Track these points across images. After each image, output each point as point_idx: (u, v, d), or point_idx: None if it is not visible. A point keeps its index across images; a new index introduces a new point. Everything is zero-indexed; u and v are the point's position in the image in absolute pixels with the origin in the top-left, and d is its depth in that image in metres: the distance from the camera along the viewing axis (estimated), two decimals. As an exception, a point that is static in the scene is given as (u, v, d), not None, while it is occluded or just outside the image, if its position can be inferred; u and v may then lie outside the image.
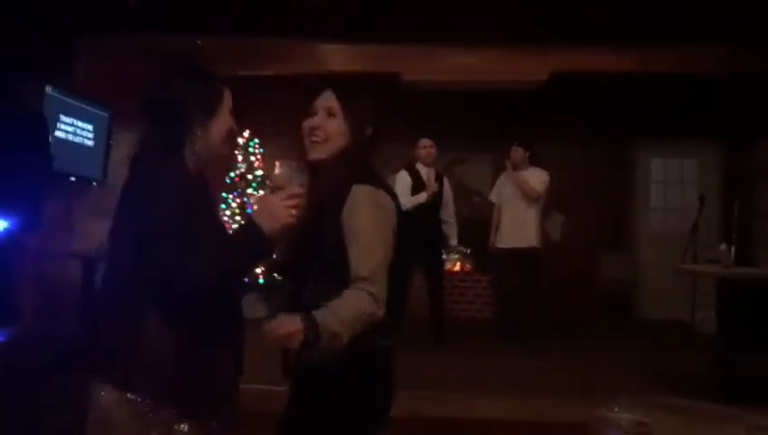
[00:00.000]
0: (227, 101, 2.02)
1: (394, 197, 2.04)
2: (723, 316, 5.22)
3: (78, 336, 4.30)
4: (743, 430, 1.15)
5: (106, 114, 5.92)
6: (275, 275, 2.14)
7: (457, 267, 8.24)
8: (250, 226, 1.82)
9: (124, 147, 6.79)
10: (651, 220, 8.58)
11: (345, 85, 2.07)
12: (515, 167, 6.45)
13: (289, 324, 1.74)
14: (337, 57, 6.65)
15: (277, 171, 2.07)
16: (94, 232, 5.86)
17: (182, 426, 1.79)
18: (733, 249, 5.20)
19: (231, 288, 1.90)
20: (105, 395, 1.80)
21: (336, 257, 1.89)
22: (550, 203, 8.31)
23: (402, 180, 6.12)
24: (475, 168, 8.44)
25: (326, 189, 1.98)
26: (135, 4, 4.57)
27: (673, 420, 1.42)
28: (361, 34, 5.97)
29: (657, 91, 7.68)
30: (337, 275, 1.87)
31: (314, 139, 1.99)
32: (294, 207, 1.84)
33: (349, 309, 1.82)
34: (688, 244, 6.67)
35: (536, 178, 6.40)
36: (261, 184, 7.87)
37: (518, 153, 6.46)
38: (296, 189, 1.85)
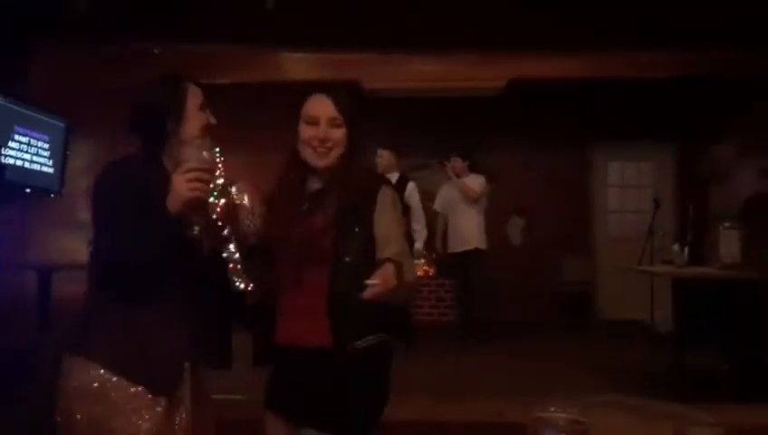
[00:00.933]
0: (194, 98, 2.05)
1: None
2: (677, 315, 5.34)
3: (36, 349, 4.24)
4: (671, 426, 1.20)
5: (62, 124, 5.85)
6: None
7: (420, 272, 8.28)
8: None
9: (82, 157, 6.72)
10: (609, 223, 8.74)
11: (338, 90, 2.15)
12: (457, 175, 6.85)
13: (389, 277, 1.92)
14: (296, 65, 6.65)
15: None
16: (51, 244, 5.81)
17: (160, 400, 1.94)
18: (686, 250, 5.32)
19: (156, 263, 1.92)
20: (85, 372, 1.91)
21: (367, 255, 2.02)
22: (510, 208, 8.47)
23: None
24: (437, 173, 8.51)
25: (350, 192, 2.07)
26: (83, 9, 4.52)
27: (608, 416, 1.46)
28: (321, 42, 5.99)
29: (613, 95, 7.82)
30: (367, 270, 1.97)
31: (321, 149, 2.08)
32: (197, 180, 1.88)
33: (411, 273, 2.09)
34: (645, 245, 6.82)
35: (475, 183, 6.78)
36: (222, 192, 7.81)
37: (457, 162, 6.84)
38: (194, 164, 1.88)
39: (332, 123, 2.07)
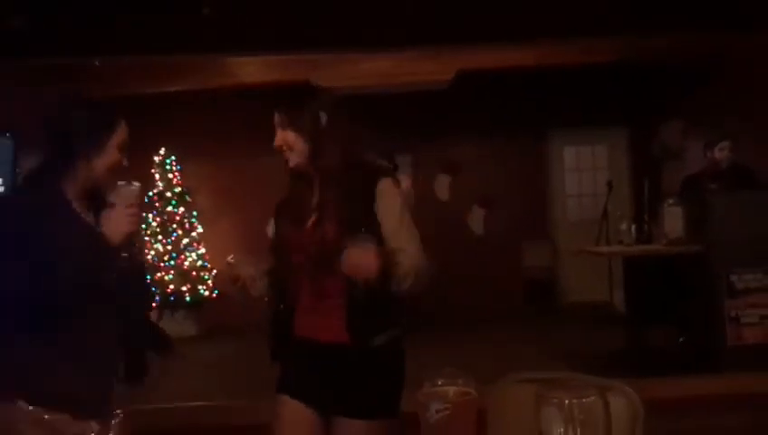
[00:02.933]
0: (119, 135, 2.08)
1: None
2: (629, 293, 5.46)
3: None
4: (533, 395, 1.25)
5: (9, 142, 5.80)
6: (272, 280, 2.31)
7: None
8: (97, 237, 1.97)
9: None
10: (567, 207, 8.86)
11: (285, 99, 2.29)
12: None
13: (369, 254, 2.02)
14: (246, 69, 6.68)
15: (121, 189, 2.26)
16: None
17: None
18: (634, 228, 5.44)
19: (78, 299, 1.94)
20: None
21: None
22: (471, 199, 8.56)
23: None
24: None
25: (345, 186, 2.20)
26: (19, 23, 4.50)
27: (503, 389, 1.51)
28: (269, 45, 6.00)
29: (563, 82, 7.93)
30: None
31: (284, 151, 2.25)
32: (135, 215, 2.06)
33: (414, 258, 2.15)
34: (600, 227, 6.93)
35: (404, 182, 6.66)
36: (180, 201, 7.82)
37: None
38: (133, 200, 2.08)
39: (282, 127, 2.24)
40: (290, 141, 2.21)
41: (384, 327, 2.20)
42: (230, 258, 2.28)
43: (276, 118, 2.25)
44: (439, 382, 1.39)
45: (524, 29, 6.09)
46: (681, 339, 5.31)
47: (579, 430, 1.18)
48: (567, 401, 1.16)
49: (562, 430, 1.17)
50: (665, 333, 5.37)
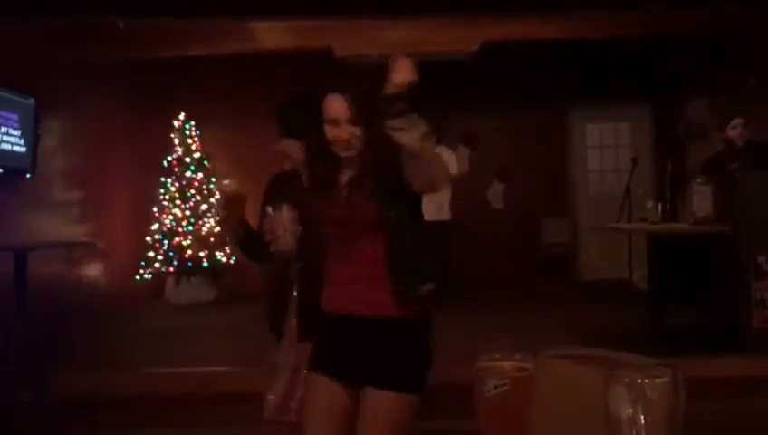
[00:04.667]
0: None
1: None
2: (652, 271, 5.40)
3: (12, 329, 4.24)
4: (600, 374, 1.21)
5: (31, 102, 5.77)
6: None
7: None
8: None
9: (54, 135, 6.64)
10: (589, 184, 8.77)
11: (350, 86, 2.18)
12: None
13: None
14: (267, 34, 6.58)
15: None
16: (25, 225, 5.76)
17: None
18: (660, 207, 5.36)
19: None
20: None
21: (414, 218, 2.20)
22: (491, 173, 8.48)
23: None
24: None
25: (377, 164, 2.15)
26: None
27: (558, 366, 1.47)
28: (291, 10, 5.91)
29: (587, 57, 7.80)
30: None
31: (345, 147, 2.17)
32: None
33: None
34: (623, 204, 6.86)
35: (449, 160, 6.62)
36: (199, 166, 7.79)
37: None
38: None
39: (350, 121, 2.14)
40: (357, 135, 2.14)
41: (426, 276, 2.16)
42: (270, 210, 2.32)
43: (339, 110, 2.13)
44: (497, 356, 1.35)
45: (549, 1, 5.98)
46: (701, 320, 5.26)
47: (648, 410, 1.14)
48: (639, 381, 1.12)
49: (631, 410, 1.13)
50: (687, 312, 5.32)
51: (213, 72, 7.67)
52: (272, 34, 6.56)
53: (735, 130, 5.20)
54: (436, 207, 6.74)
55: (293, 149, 2.52)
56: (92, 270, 7.15)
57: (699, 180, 5.08)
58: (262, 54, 7.15)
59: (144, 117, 7.81)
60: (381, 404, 2.14)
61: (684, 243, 5.14)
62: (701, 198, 4.94)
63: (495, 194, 8.60)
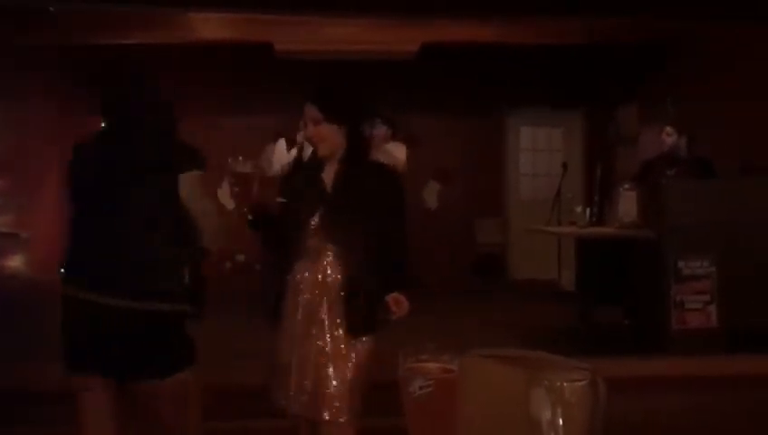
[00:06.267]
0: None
1: None
2: (580, 273, 5.55)
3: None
4: (523, 375, 1.24)
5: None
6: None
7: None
8: None
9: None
10: (521, 186, 8.95)
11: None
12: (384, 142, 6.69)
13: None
14: (206, 26, 6.48)
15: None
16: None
17: None
18: (588, 211, 5.52)
19: None
20: None
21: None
22: (427, 172, 8.55)
23: (281, 147, 6.27)
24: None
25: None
26: None
27: (481, 367, 1.49)
28: (232, 2, 5.84)
29: (524, 61, 7.96)
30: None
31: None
32: None
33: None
34: (553, 207, 7.02)
35: (400, 152, 6.61)
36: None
37: (382, 130, 6.70)
38: None
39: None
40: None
41: None
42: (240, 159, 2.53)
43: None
44: (423, 358, 1.37)
45: (491, 5, 6.06)
46: (626, 321, 5.44)
47: (567, 412, 1.17)
48: (558, 384, 1.16)
49: (551, 413, 1.17)
50: (612, 313, 5.49)
51: (153, 62, 7.48)
52: (211, 25, 6.46)
53: (670, 138, 5.31)
54: None
55: (332, 134, 2.56)
56: (15, 261, 6.90)
57: (626, 186, 5.25)
58: (202, 45, 7.06)
59: (75, 104, 7.56)
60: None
61: (610, 246, 5.31)
62: (627, 203, 5.11)
63: (431, 194, 8.68)
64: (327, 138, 2.52)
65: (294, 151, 6.22)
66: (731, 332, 4.79)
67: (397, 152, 6.67)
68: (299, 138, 6.36)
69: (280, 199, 2.62)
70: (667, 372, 4.54)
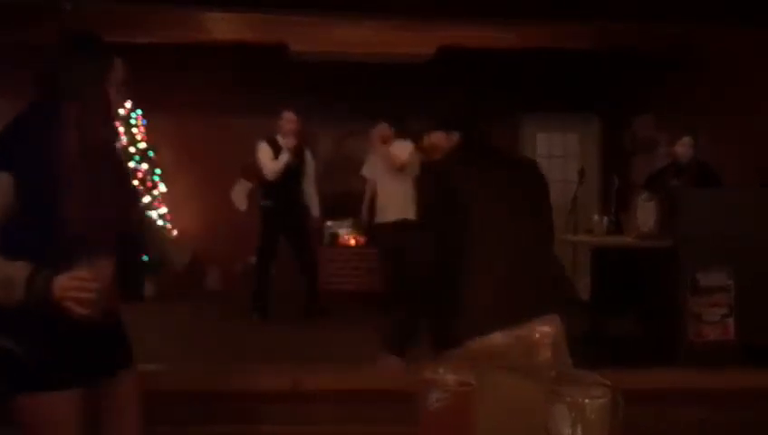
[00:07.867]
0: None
1: None
2: (595, 282, 5.47)
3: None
4: (542, 391, 1.19)
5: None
6: None
7: (352, 241, 8.25)
8: None
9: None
10: (536, 192, 8.86)
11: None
12: (384, 142, 6.67)
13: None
14: (221, 26, 6.46)
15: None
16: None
17: None
18: (605, 220, 5.44)
19: None
20: None
21: None
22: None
23: (264, 150, 6.31)
24: (364, 140, 8.48)
25: None
26: None
27: (499, 380, 1.44)
28: (247, 3, 5.82)
29: (541, 67, 7.89)
30: None
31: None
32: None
33: None
34: (569, 215, 6.94)
35: (402, 150, 6.55)
36: (144, 158, 7.60)
37: (384, 129, 6.64)
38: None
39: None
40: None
41: None
42: None
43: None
44: (440, 370, 1.32)
45: (508, 9, 6.00)
46: (641, 331, 5.36)
47: (587, 429, 1.12)
48: (580, 401, 1.10)
49: (571, 431, 1.11)
50: (627, 323, 5.41)
51: (162, 61, 7.49)
52: (223, 26, 6.44)
53: (684, 148, 5.29)
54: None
55: (442, 140, 2.58)
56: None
57: (644, 196, 5.17)
58: (214, 45, 7.04)
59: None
60: None
61: (626, 255, 5.23)
62: (645, 214, 5.03)
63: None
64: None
65: (285, 156, 6.23)
66: (749, 345, 4.71)
67: (398, 151, 6.63)
68: (281, 141, 6.37)
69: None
70: (684, 384, 4.44)
